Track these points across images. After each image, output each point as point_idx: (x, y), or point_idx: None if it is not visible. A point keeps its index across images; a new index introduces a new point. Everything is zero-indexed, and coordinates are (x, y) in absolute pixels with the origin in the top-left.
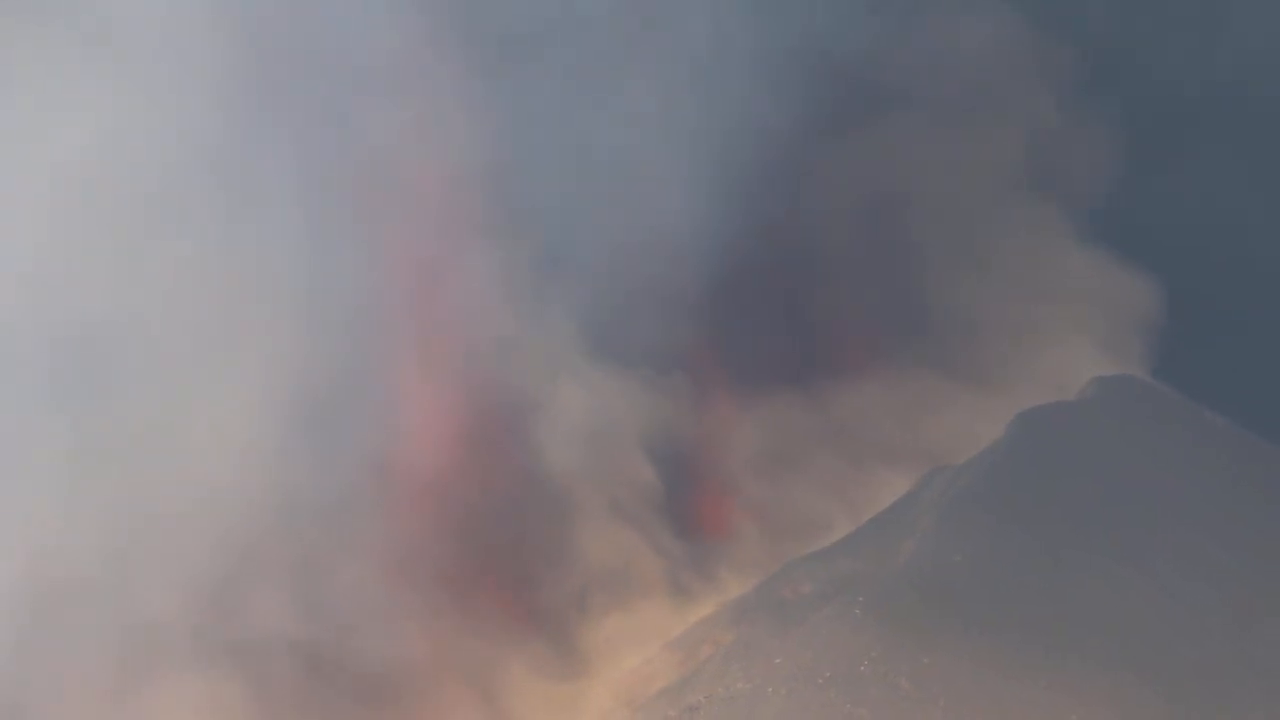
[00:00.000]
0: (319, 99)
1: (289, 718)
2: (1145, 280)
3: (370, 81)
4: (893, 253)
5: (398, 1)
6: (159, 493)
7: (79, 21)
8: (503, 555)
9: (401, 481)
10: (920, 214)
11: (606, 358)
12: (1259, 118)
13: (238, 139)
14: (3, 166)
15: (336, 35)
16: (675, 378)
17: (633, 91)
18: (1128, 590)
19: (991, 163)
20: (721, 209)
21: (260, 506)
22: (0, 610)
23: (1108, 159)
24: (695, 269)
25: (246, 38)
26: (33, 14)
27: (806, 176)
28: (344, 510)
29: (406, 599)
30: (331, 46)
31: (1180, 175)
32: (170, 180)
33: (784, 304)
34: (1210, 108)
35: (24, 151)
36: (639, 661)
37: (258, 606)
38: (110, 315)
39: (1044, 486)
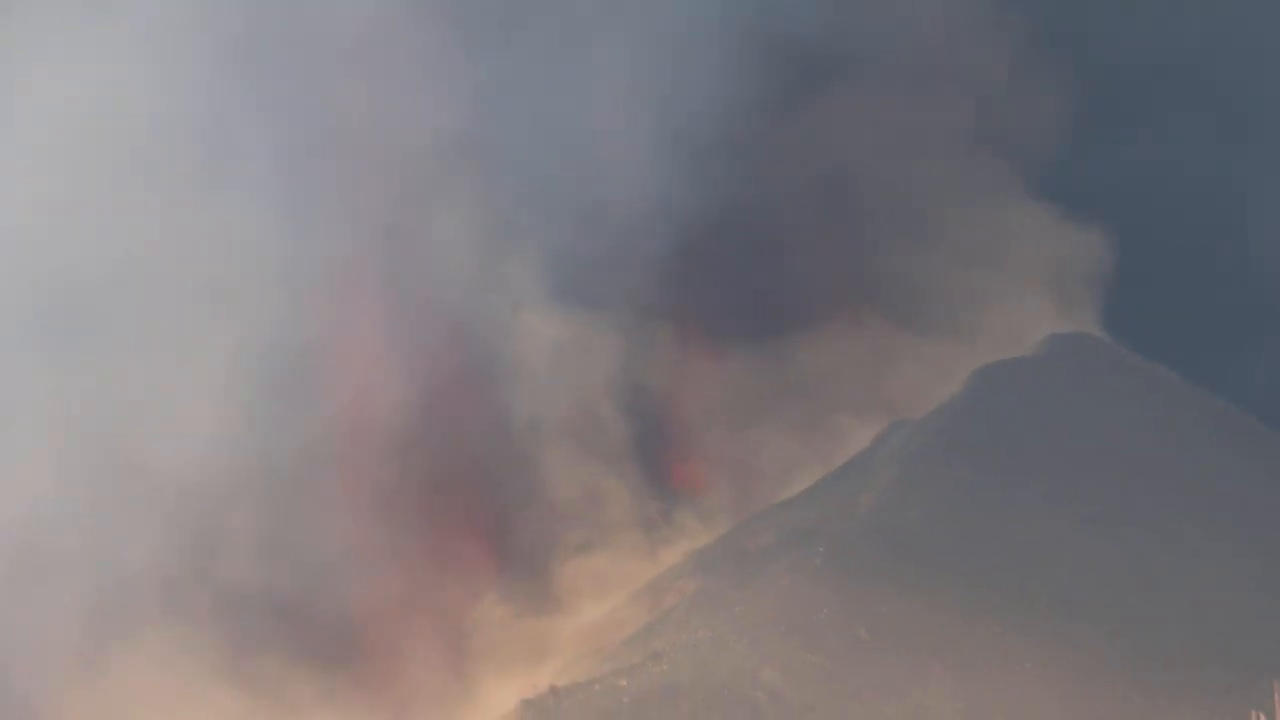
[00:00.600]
0: (296, 69)
1: (262, 664)
2: (1098, 238)
3: (347, 52)
4: (853, 216)
5: None
6: (137, 447)
7: None
8: (474, 504)
9: (372, 432)
10: (879, 179)
11: (575, 309)
12: (1209, 83)
13: (218, 107)
14: None
15: (315, 7)
16: (644, 331)
17: (600, 64)
18: (1080, 541)
19: (948, 127)
20: (685, 175)
21: (235, 460)
22: None
23: (1059, 121)
24: (661, 230)
25: (230, 8)
26: None
27: (767, 145)
28: (315, 463)
29: (378, 546)
30: (310, 18)
31: (1131, 137)
32: (152, 144)
33: (748, 265)
34: (1162, 74)
35: (14, 111)
36: (606, 609)
37: (232, 559)
38: (94, 272)
39: (1000, 441)
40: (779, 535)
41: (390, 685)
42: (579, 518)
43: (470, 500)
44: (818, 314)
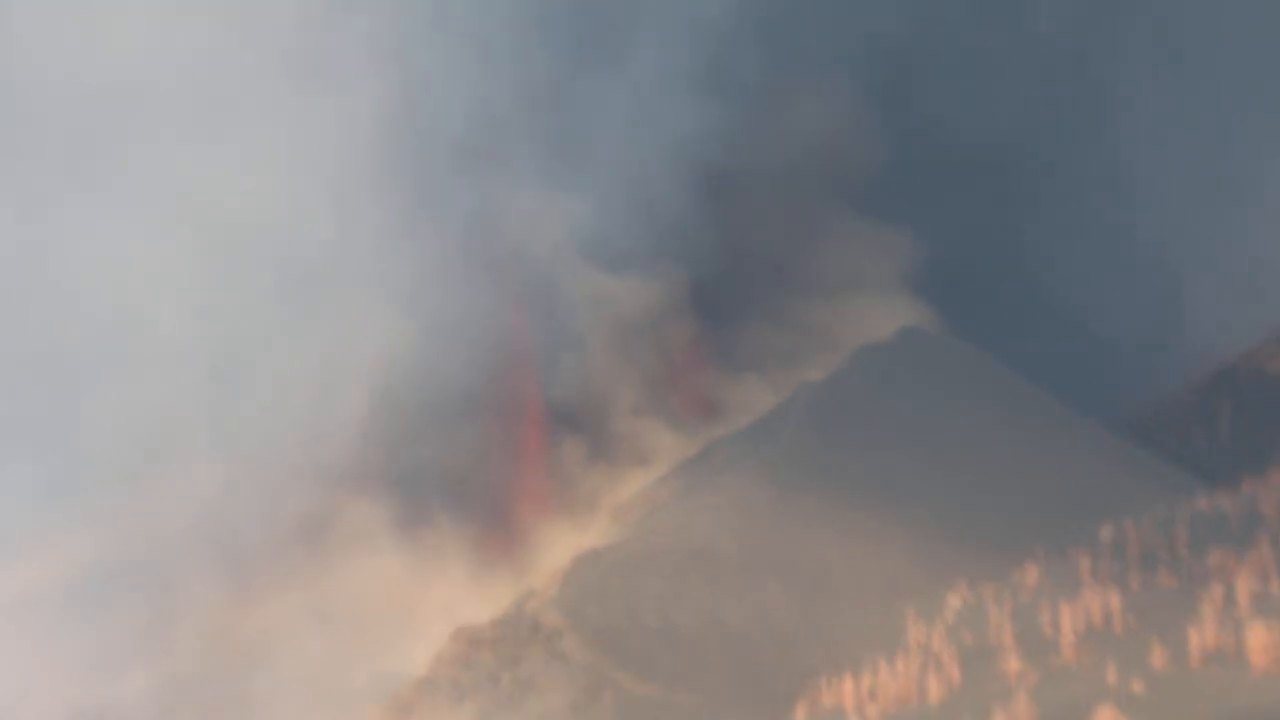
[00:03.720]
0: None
1: (431, 522)
2: (925, 260)
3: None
4: (772, 261)
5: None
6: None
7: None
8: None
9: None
10: (781, 237)
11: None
12: (999, 155)
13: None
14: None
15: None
16: (663, 321)
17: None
18: (921, 457)
19: (817, 202)
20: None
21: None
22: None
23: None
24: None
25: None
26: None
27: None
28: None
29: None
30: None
31: (943, 200)
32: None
33: (715, 289)
34: (965, 149)
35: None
36: (625, 498)
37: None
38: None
39: (869, 395)
40: (730, 455)
41: (495, 540)
42: (618, 437)
43: (541, 422)
44: (755, 315)
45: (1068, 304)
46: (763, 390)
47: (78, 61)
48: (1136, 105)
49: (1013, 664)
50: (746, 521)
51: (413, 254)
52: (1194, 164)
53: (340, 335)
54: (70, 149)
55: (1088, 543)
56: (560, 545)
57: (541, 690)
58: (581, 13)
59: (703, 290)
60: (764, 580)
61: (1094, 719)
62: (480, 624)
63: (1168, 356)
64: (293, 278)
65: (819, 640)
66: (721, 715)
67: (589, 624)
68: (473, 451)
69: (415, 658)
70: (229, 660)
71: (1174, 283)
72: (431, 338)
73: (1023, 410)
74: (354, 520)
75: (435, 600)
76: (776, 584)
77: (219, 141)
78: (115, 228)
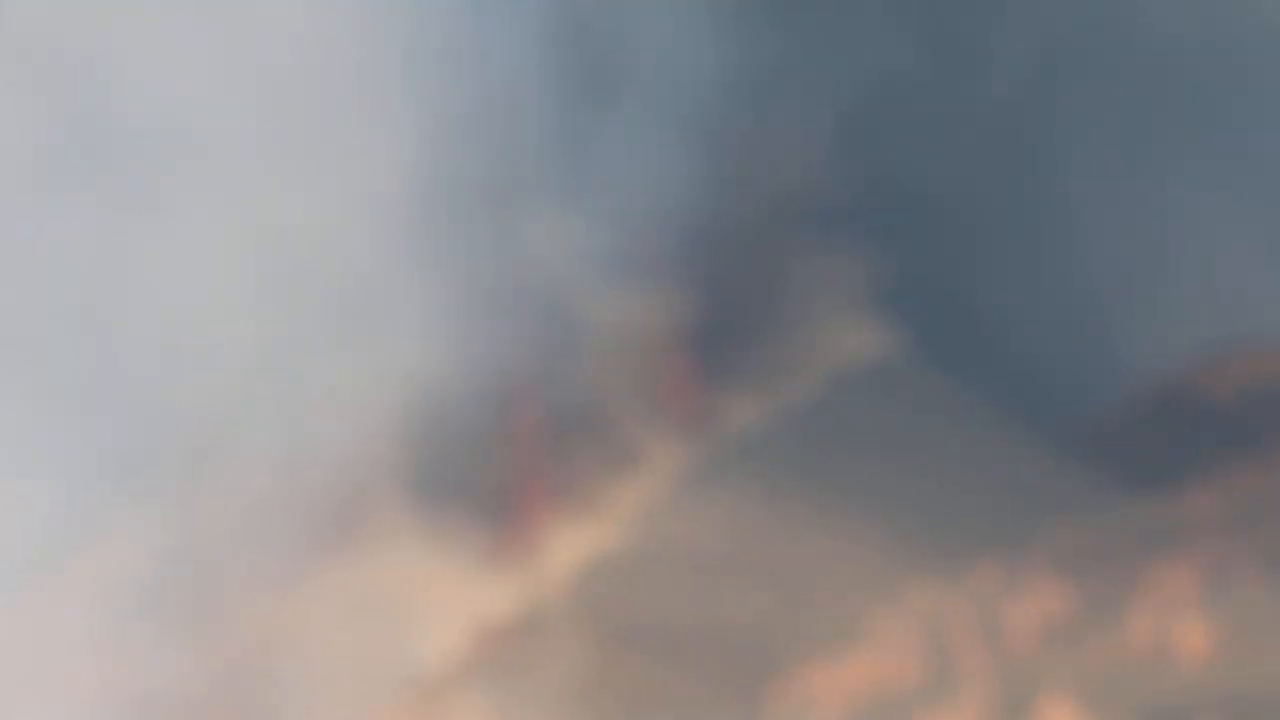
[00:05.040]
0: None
1: (450, 523)
2: (898, 287)
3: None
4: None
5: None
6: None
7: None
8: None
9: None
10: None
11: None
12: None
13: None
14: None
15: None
16: (648, 339)
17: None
18: (891, 470)
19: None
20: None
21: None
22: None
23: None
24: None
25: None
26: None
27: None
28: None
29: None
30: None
31: (899, 247)
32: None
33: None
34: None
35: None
36: (626, 503)
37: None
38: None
39: (844, 412)
40: (725, 461)
41: (508, 541)
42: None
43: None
44: (741, 336)
45: (1020, 331)
46: (750, 405)
47: (147, 104)
48: (1077, 151)
49: (971, 654)
50: (738, 526)
51: (438, 278)
52: (1130, 206)
53: (373, 350)
54: (140, 179)
55: (1041, 545)
56: (568, 548)
57: (552, 681)
58: (589, 67)
59: (696, 312)
60: (753, 579)
61: (1044, 706)
62: (495, 619)
63: (1109, 379)
64: (333, 298)
65: (801, 634)
66: (713, 700)
67: (595, 620)
68: (487, 458)
69: (435, 651)
70: (267, 649)
71: (1117, 311)
72: (454, 352)
73: (983, 425)
74: (379, 519)
75: (452, 597)
76: (764, 583)
77: (274, 178)
78: (182, 251)
